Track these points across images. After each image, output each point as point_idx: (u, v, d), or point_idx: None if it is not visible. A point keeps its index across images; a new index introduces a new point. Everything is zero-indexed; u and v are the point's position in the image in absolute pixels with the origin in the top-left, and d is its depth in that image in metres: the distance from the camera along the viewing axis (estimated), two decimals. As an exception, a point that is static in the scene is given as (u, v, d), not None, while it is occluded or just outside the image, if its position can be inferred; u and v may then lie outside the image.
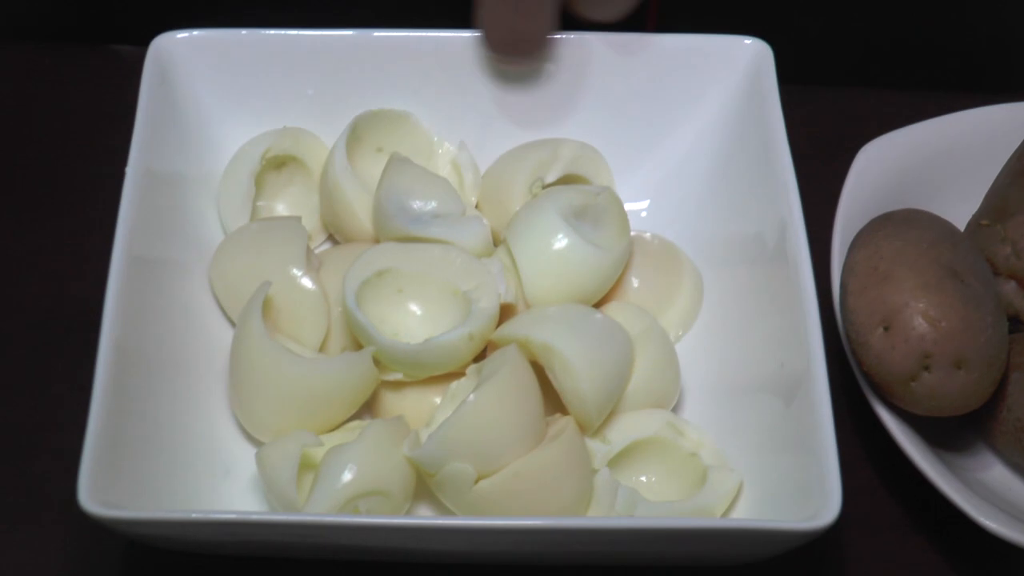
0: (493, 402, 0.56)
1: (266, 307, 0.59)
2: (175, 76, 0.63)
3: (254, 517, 0.54)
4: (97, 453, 0.53)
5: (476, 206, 0.64)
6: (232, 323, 0.61)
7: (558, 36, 0.63)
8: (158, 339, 0.59)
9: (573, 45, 0.64)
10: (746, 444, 0.58)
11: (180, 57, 0.63)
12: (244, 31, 0.64)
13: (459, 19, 0.64)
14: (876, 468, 0.61)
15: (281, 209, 0.64)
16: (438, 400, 0.59)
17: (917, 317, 0.56)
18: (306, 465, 0.57)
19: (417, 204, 0.61)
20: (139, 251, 0.58)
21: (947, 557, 0.59)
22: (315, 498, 0.55)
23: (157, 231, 0.60)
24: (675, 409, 0.60)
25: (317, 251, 0.63)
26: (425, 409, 0.59)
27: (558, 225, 0.60)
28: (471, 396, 0.56)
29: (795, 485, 0.55)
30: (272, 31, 0.64)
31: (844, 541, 0.59)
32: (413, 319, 0.60)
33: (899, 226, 0.59)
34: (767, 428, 0.58)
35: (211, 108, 0.64)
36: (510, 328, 0.58)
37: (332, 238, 0.64)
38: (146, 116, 0.61)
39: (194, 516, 0.53)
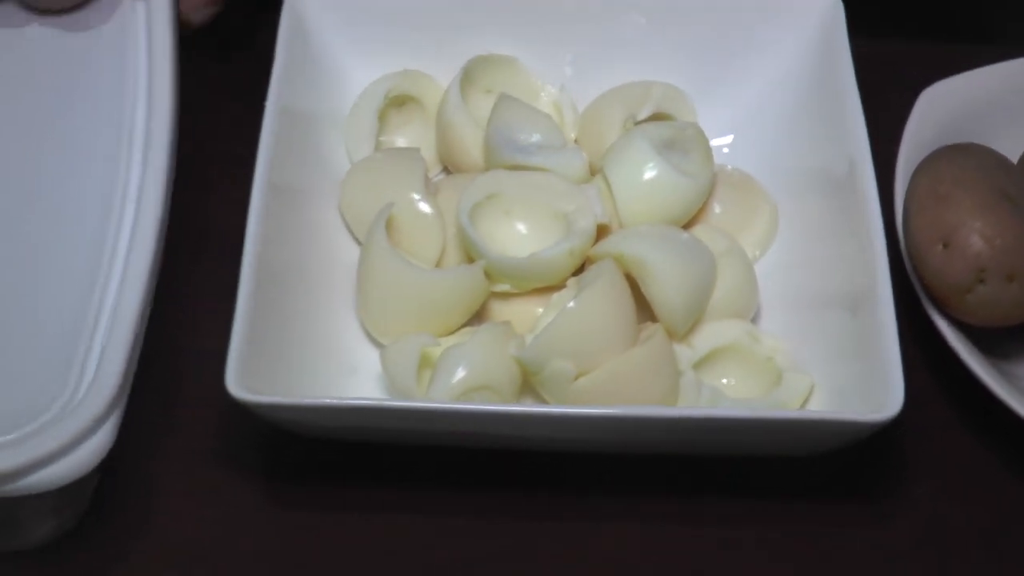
0: (591, 308, 0.58)
1: (389, 226, 0.61)
2: (308, 23, 0.66)
3: (383, 403, 0.57)
4: (241, 347, 0.56)
5: (575, 141, 0.65)
6: (358, 242, 0.64)
7: None
8: (293, 255, 0.61)
9: None
10: (817, 351, 0.60)
11: (313, 5, 0.65)
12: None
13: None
14: (932, 374, 0.62)
15: (401, 142, 0.67)
16: (540, 309, 0.61)
17: (973, 235, 0.57)
18: (425, 363, 0.59)
19: (523, 136, 0.64)
20: (276, 179, 0.61)
21: (997, 455, 0.60)
22: (433, 390, 0.57)
23: (292, 161, 0.63)
24: (753, 320, 0.62)
25: (434, 180, 0.65)
26: (529, 317, 0.61)
27: (649, 154, 0.62)
28: (571, 303, 0.58)
29: (861, 384, 0.57)
30: None
31: (902, 440, 0.60)
32: (519, 237, 0.62)
33: (958, 155, 0.61)
34: (836, 336, 0.60)
35: (339, 52, 0.67)
36: (606, 245, 0.61)
37: (446, 169, 0.66)
38: (283, 58, 0.64)
39: (327, 401, 0.56)
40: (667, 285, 0.59)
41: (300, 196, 0.63)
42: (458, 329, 0.62)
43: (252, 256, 0.58)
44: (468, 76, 0.66)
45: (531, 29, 0.67)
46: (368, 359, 0.61)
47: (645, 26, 0.67)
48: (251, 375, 0.55)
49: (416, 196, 0.63)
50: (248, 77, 0.66)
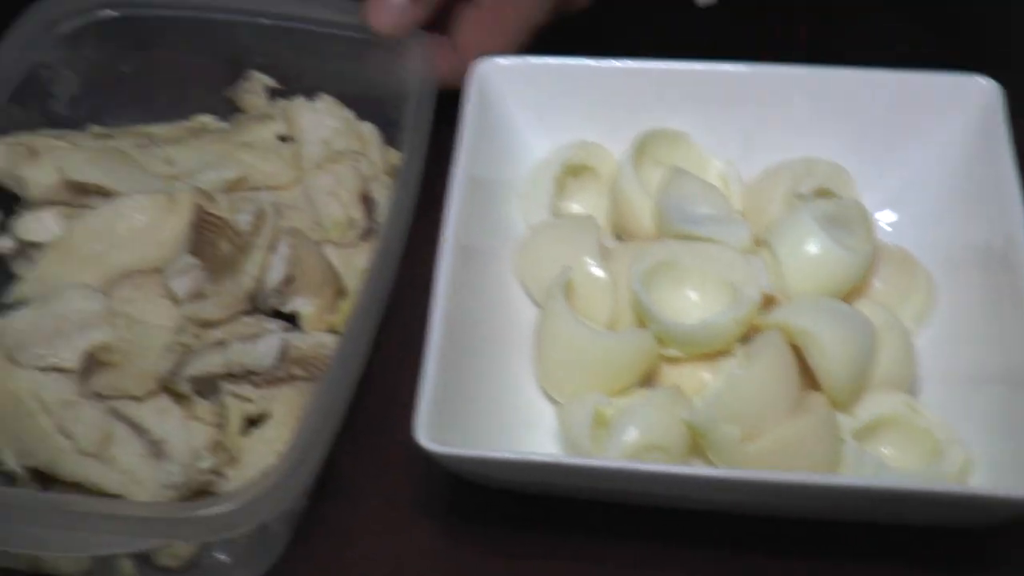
0: (759, 376, 0.59)
1: (565, 289, 0.63)
2: (492, 95, 0.68)
3: (560, 460, 0.58)
4: (430, 400, 0.58)
5: (740, 213, 0.67)
6: (534, 302, 0.66)
7: (811, 69, 0.66)
8: (475, 313, 0.64)
9: (824, 77, 0.67)
10: (975, 425, 0.61)
11: (497, 79, 0.68)
12: (550, 59, 0.69)
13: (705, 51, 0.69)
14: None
15: (576, 209, 0.69)
16: (707, 374, 0.63)
17: None
18: (598, 422, 0.61)
19: (693, 208, 0.66)
20: (462, 240, 0.63)
21: None
22: (607, 448, 0.59)
23: (474, 224, 0.65)
24: (911, 393, 0.63)
25: (607, 246, 0.67)
26: (696, 380, 0.63)
27: (814, 229, 0.63)
28: (740, 371, 0.59)
29: (1020, 462, 0.57)
30: (573, 60, 0.69)
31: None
32: (689, 304, 0.64)
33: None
34: (994, 411, 0.61)
35: (520, 122, 0.69)
36: (773, 315, 0.62)
37: (618, 235, 0.68)
38: (469, 128, 0.66)
39: (508, 456, 0.58)
40: (832, 356, 0.60)
41: (482, 257, 0.66)
42: (629, 389, 0.63)
43: (441, 313, 0.61)
44: (641, 148, 0.68)
45: (700, 106, 0.69)
46: (544, 414, 0.64)
47: (810, 106, 0.68)
48: (438, 427, 0.58)
49: (591, 261, 0.65)
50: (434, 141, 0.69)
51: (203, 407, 0.62)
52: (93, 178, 0.67)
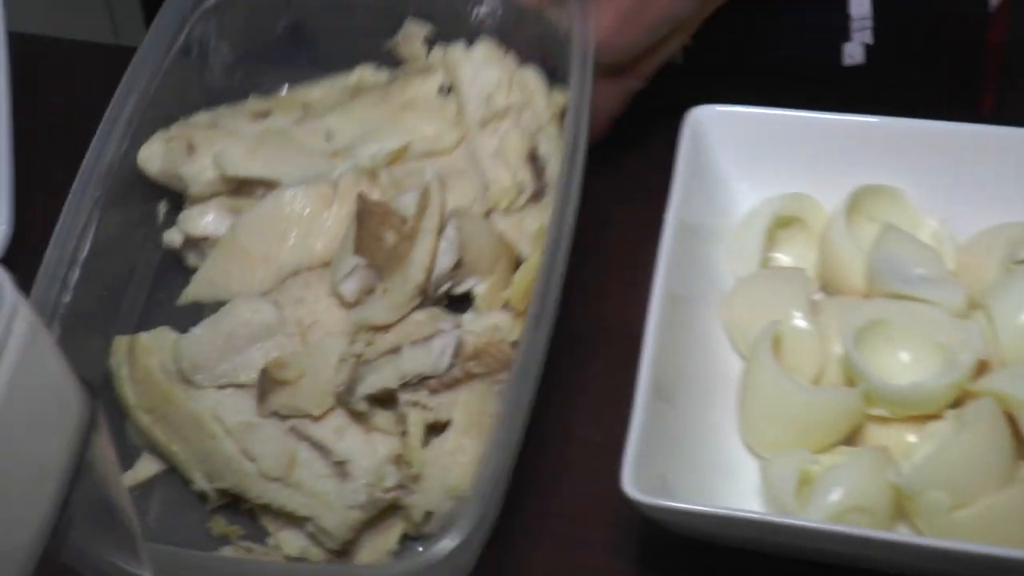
0: (973, 445, 0.58)
1: (773, 342, 0.61)
2: (706, 140, 0.67)
3: (764, 518, 0.57)
4: (637, 449, 0.56)
5: (952, 273, 0.65)
6: (738, 353, 0.64)
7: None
8: (681, 361, 0.63)
9: None
10: None
11: (711, 126, 0.67)
12: (764, 110, 0.67)
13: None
14: None
15: (785, 260, 0.68)
16: (914, 437, 0.61)
17: None
18: (803, 480, 0.59)
19: (907, 267, 0.64)
20: (672, 287, 0.62)
21: None
22: (811, 508, 0.57)
23: (683, 271, 0.64)
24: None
25: (814, 299, 0.65)
26: (903, 442, 0.62)
27: (1036, 296, 0.60)
28: (953, 437, 0.57)
29: None
30: (787, 112, 0.67)
31: None
32: (900, 365, 0.63)
33: None
34: None
35: (731, 170, 0.68)
36: (988, 382, 0.60)
37: (824, 289, 0.66)
38: (682, 174, 0.65)
39: (715, 511, 0.57)
40: (1049, 429, 0.58)
41: (689, 305, 0.65)
42: (832, 446, 0.61)
43: (650, 361, 0.60)
44: (854, 203, 0.66)
45: (914, 162, 0.67)
46: (745, 466, 0.63)
47: (1022, 168, 0.66)
48: (643, 476, 0.57)
49: (800, 315, 0.64)
50: (635, 181, 0.68)
51: (383, 417, 0.61)
52: (254, 172, 0.67)
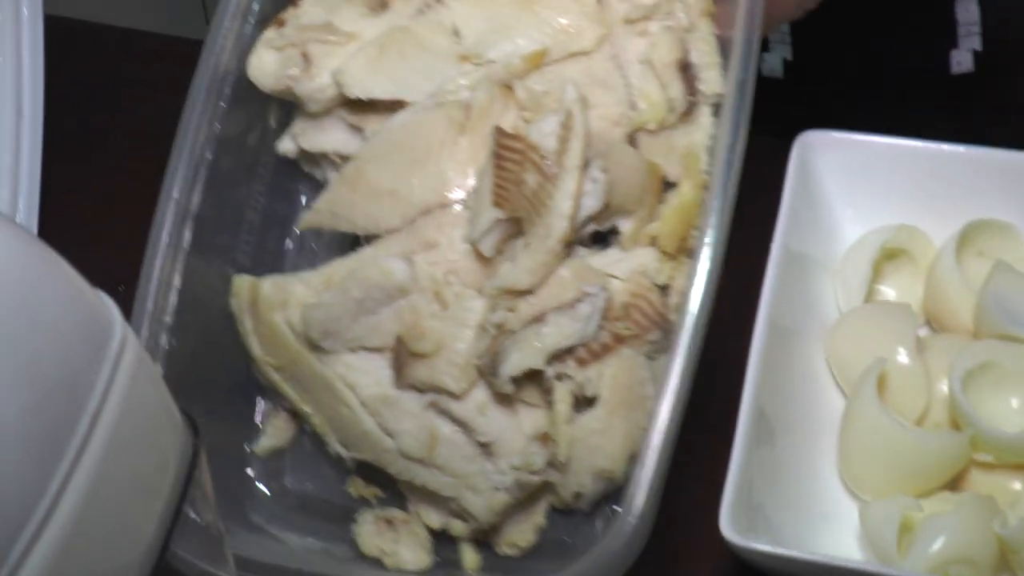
0: (1087, 500, 0.54)
1: (877, 379, 0.58)
2: (813, 167, 0.65)
3: (868, 568, 0.55)
4: (736, 491, 0.55)
5: (1066, 315, 0.62)
6: (839, 388, 0.61)
7: None
8: (783, 395, 0.61)
9: None
10: None
11: (820, 152, 0.64)
12: (876, 137, 0.64)
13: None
14: None
15: (891, 294, 0.65)
16: (1020, 486, 0.58)
17: None
18: (903, 526, 0.56)
19: (1019, 308, 0.61)
20: (775, 318, 0.59)
21: None
22: (913, 557, 0.55)
23: (787, 302, 0.61)
24: None
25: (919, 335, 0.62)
26: (1008, 490, 0.59)
27: None
28: (1065, 491, 0.54)
29: None
30: (898, 140, 0.64)
31: None
32: (1008, 410, 0.60)
33: None
34: None
35: (838, 199, 0.66)
36: None
37: (930, 324, 0.63)
38: (789, 200, 0.62)
39: (817, 559, 0.55)
40: None
41: (792, 338, 0.62)
42: (934, 491, 0.59)
43: (751, 398, 0.57)
44: (964, 238, 0.64)
45: (1030, 197, 0.64)
46: (844, 508, 0.61)
47: None
48: (741, 518, 0.54)
49: (906, 353, 0.61)
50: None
51: (527, 389, 0.57)
52: (377, 92, 0.61)
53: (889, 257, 0.66)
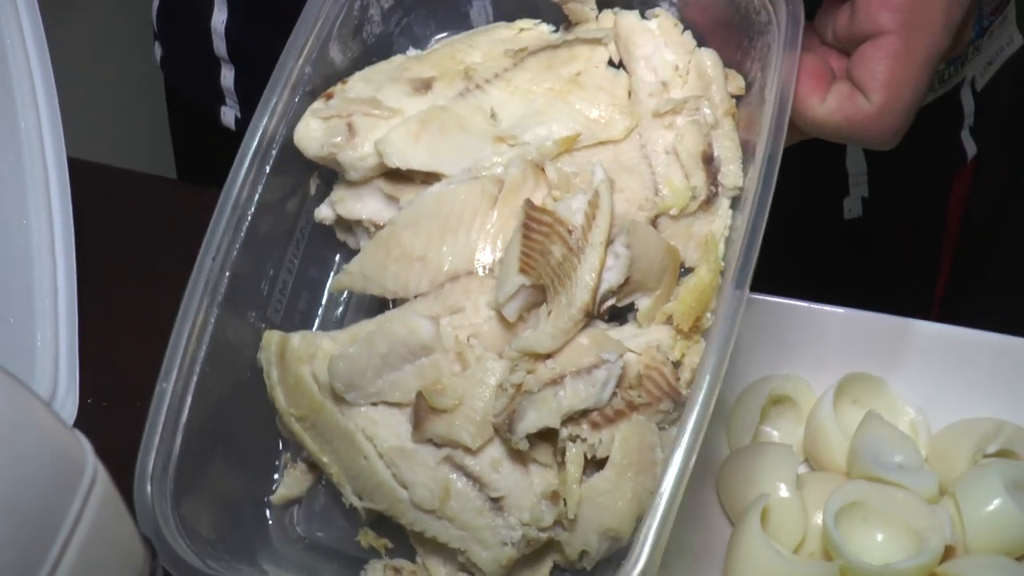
0: (939, 627, 0.57)
1: (761, 512, 0.61)
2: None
3: None
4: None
5: (926, 459, 0.65)
6: (727, 518, 0.64)
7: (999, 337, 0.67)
8: (679, 523, 0.61)
9: (1009, 346, 0.68)
10: None
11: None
12: (772, 298, 0.69)
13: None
14: None
15: (774, 435, 0.69)
16: (883, 611, 0.60)
17: None
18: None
19: (886, 454, 0.64)
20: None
21: None
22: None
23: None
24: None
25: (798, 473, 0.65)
26: None
27: (1000, 491, 0.62)
28: (921, 617, 0.57)
29: None
30: (786, 300, 0.69)
31: None
32: (873, 543, 0.63)
33: None
34: None
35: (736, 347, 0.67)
36: (953, 568, 0.63)
37: (807, 462, 0.66)
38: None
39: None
40: (1008, 618, 0.58)
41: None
42: (809, 614, 0.61)
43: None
44: (841, 388, 0.67)
45: (899, 355, 0.68)
46: (730, 629, 0.62)
47: (993, 372, 0.66)
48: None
49: (786, 488, 0.65)
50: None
51: (540, 448, 0.56)
52: (417, 164, 0.60)
53: (775, 402, 0.70)
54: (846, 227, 0.82)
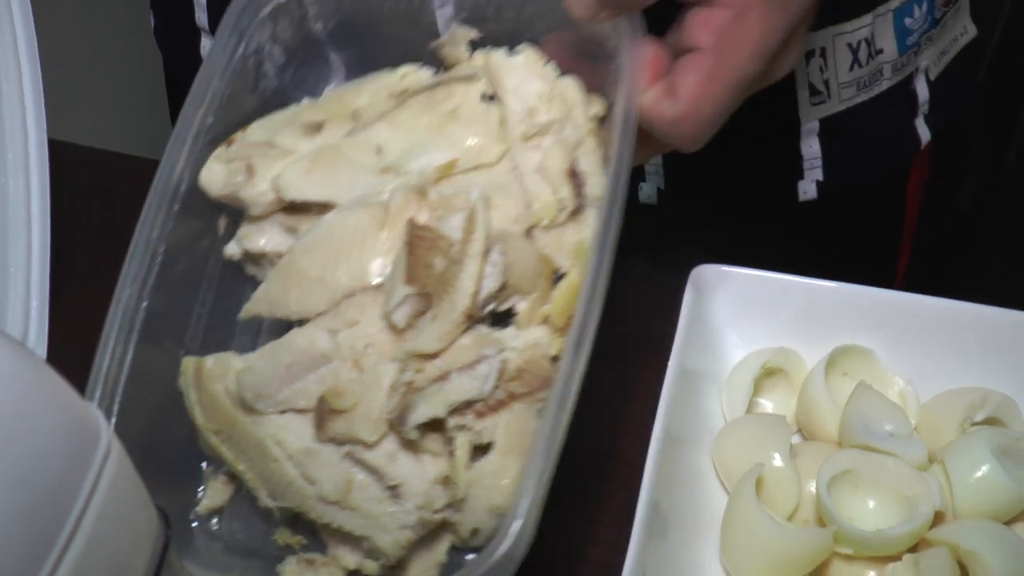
0: (928, 589, 0.58)
1: (755, 481, 0.62)
2: (705, 297, 0.68)
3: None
4: (632, 574, 0.56)
5: (915, 429, 0.65)
6: (723, 487, 0.65)
7: (981, 308, 0.66)
8: (675, 492, 0.63)
9: (991, 316, 0.68)
10: None
11: (711, 283, 0.69)
12: (759, 272, 0.69)
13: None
14: None
15: (769, 407, 0.70)
16: (873, 574, 0.61)
17: None
18: (776, 608, 0.60)
19: (876, 423, 0.65)
20: (670, 425, 0.63)
21: None
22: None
23: (682, 411, 0.64)
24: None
25: (792, 443, 0.66)
26: None
27: (988, 457, 0.63)
28: (911, 580, 0.58)
29: None
30: (778, 275, 0.70)
31: None
32: (866, 510, 0.64)
33: None
34: None
35: (726, 324, 0.70)
36: (943, 532, 0.62)
37: (800, 433, 0.67)
38: (684, 325, 0.67)
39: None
40: (995, 579, 0.59)
41: (683, 442, 0.67)
42: (803, 578, 0.62)
43: (647, 494, 0.60)
44: (832, 361, 0.68)
45: (888, 326, 0.69)
46: (727, 595, 0.63)
47: (980, 343, 0.67)
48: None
49: (780, 458, 0.65)
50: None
51: (431, 439, 0.61)
52: (310, 195, 0.66)
53: (768, 375, 0.70)
54: (800, 208, 0.83)
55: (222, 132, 0.68)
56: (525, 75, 0.65)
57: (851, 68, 0.81)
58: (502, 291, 0.62)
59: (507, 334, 0.62)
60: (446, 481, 0.60)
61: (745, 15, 0.58)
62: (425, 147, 0.66)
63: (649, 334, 0.71)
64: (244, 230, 0.68)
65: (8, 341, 0.41)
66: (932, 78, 0.86)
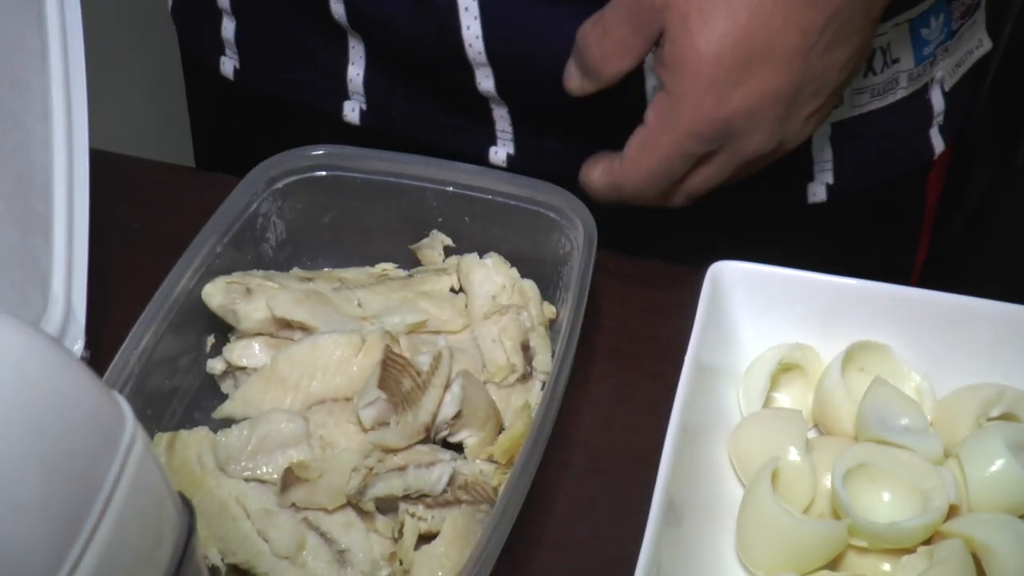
0: (942, 580, 0.57)
1: (771, 474, 0.61)
2: (723, 293, 0.68)
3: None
4: (647, 565, 0.58)
5: (931, 423, 0.65)
6: (739, 480, 0.65)
7: (998, 304, 0.65)
8: (690, 486, 0.63)
9: (1007, 312, 0.68)
10: None
11: (728, 280, 0.68)
12: (776, 269, 0.68)
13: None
14: None
15: (786, 402, 0.70)
16: (888, 567, 0.61)
17: None
18: (792, 599, 0.59)
19: (892, 417, 0.64)
20: (686, 419, 0.63)
21: None
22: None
23: (698, 406, 0.64)
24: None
25: (808, 438, 0.65)
26: (880, 572, 0.64)
27: (1003, 452, 0.62)
28: (925, 572, 0.58)
29: None
30: (795, 272, 0.69)
31: None
32: (880, 504, 0.65)
33: None
34: None
35: (742, 320, 0.69)
36: (957, 525, 0.62)
37: (816, 427, 0.66)
38: (701, 320, 0.66)
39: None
40: (1010, 572, 0.58)
41: (700, 436, 0.66)
42: (817, 570, 0.62)
43: (663, 485, 0.60)
44: (848, 356, 0.67)
45: (904, 322, 0.69)
46: (741, 585, 0.62)
47: (996, 339, 0.66)
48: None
49: (796, 452, 0.65)
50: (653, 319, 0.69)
51: (382, 522, 0.67)
52: (298, 316, 0.72)
53: (785, 370, 0.70)
54: (809, 210, 0.83)
55: (226, 265, 0.73)
56: (491, 273, 0.75)
57: (865, 75, 0.81)
58: (457, 419, 0.68)
59: (458, 464, 0.67)
60: (392, 557, 0.64)
61: (681, 100, 0.66)
62: (398, 310, 0.74)
63: (665, 331, 0.72)
64: (231, 345, 0.73)
65: (40, 336, 0.42)
66: (947, 89, 0.86)
